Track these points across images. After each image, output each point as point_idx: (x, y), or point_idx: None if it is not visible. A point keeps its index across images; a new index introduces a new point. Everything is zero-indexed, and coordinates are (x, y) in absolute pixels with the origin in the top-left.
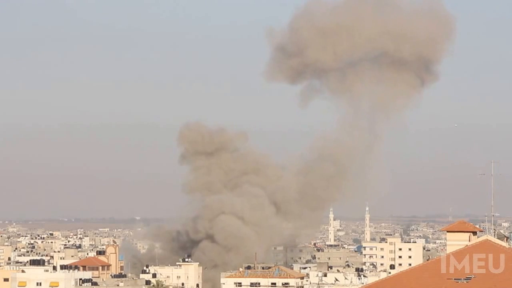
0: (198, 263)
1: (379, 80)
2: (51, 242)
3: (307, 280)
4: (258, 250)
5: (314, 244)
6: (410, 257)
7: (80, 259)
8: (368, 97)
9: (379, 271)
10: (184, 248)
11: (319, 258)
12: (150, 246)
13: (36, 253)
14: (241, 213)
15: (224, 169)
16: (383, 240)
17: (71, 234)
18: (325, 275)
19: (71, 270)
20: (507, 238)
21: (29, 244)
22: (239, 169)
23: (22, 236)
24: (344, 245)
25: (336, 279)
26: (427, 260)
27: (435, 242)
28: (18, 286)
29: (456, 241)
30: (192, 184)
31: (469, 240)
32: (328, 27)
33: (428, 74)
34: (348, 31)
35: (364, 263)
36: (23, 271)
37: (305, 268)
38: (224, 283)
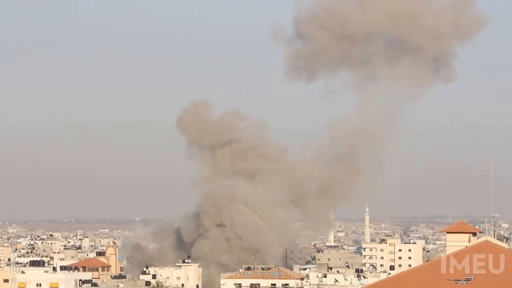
0: (198, 264)
1: (392, 69)
2: (51, 243)
3: (307, 281)
4: (277, 252)
5: (314, 245)
6: (410, 258)
7: (80, 260)
8: (382, 88)
9: (379, 272)
10: (185, 247)
11: (319, 259)
12: (158, 245)
13: (36, 254)
14: (255, 207)
15: (237, 160)
16: (383, 241)
17: (71, 235)
18: (325, 276)
19: (71, 271)
20: (507, 239)
21: (29, 245)
22: (253, 158)
23: (22, 237)
24: (344, 246)
25: (336, 280)
26: (427, 261)
27: (435, 243)
28: (18, 287)
29: (456, 242)
30: (203, 177)
31: (469, 241)
32: (337, 20)
33: (443, 69)
34: (359, 20)
35: (364, 264)
36: (23, 272)
37: (305, 269)
38: (224, 284)
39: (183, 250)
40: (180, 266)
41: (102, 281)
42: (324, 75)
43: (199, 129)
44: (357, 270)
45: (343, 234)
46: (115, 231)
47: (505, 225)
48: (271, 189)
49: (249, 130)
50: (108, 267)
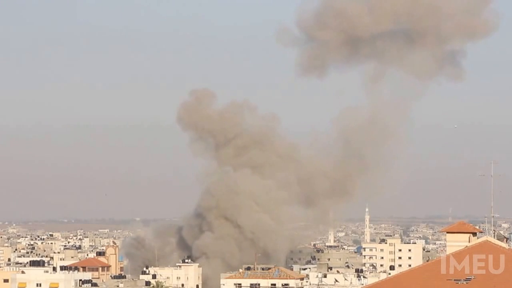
0: (198, 264)
1: (400, 66)
2: (51, 243)
3: (307, 281)
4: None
5: (314, 245)
6: (410, 258)
7: (80, 260)
8: (389, 85)
9: (379, 272)
10: (188, 247)
11: (319, 259)
12: (161, 244)
13: (36, 254)
14: (262, 204)
15: (243, 154)
16: (383, 241)
17: (71, 235)
18: (325, 276)
19: (71, 271)
20: (507, 239)
21: (29, 245)
22: (261, 152)
23: (22, 237)
24: (344, 246)
25: (336, 280)
26: (427, 261)
27: (435, 243)
28: (18, 287)
29: (456, 242)
30: (208, 172)
31: (469, 241)
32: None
33: (451, 68)
34: (367, 18)
35: (364, 264)
36: (23, 272)
37: (305, 269)
38: (224, 284)
39: (186, 249)
40: (180, 266)
41: (102, 281)
42: (334, 73)
43: (201, 127)
44: (357, 270)
45: (343, 234)
46: (115, 231)
47: (505, 225)
48: (279, 185)
49: (256, 123)
50: (108, 267)
